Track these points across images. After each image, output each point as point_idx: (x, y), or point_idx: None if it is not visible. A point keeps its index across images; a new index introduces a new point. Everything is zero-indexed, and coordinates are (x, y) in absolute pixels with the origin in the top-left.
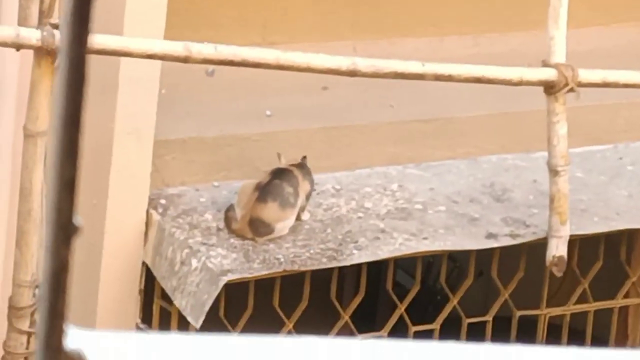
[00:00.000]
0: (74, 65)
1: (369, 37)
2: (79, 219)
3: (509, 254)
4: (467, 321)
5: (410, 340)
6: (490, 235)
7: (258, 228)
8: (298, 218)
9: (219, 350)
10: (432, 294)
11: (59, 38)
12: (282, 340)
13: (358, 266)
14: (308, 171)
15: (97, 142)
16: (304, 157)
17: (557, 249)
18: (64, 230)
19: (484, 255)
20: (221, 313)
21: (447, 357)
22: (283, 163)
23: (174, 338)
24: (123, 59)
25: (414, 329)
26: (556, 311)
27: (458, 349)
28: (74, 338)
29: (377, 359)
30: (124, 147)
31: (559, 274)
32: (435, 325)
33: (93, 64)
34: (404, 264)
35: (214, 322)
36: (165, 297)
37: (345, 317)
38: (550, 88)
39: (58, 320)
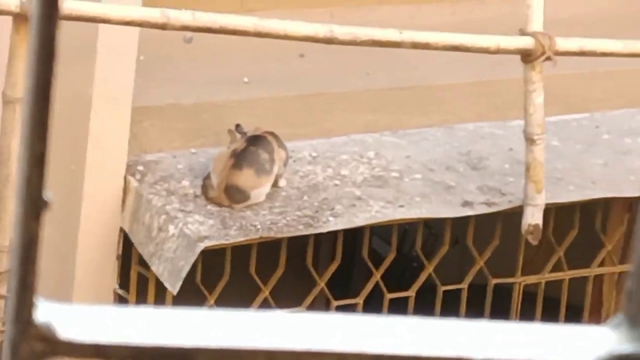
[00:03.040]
0: (44, 37)
1: (347, 5)
2: (49, 193)
3: (484, 222)
4: (442, 289)
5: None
6: (466, 203)
7: (234, 195)
8: (275, 185)
9: (196, 324)
10: (408, 261)
11: None
12: (261, 315)
13: (334, 233)
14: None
15: (75, 108)
16: (238, 125)
17: (533, 217)
18: (33, 204)
19: (459, 223)
20: (198, 279)
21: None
22: (238, 137)
23: (148, 311)
24: (101, 26)
25: (389, 296)
26: (531, 279)
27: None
28: (44, 311)
29: (349, 333)
30: (101, 114)
31: (534, 243)
32: (411, 293)
33: (71, 30)
34: (380, 231)
35: (191, 288)
36: (142, 263)
37: (321, 284)
38: (527, 56)
39: (28, 294)
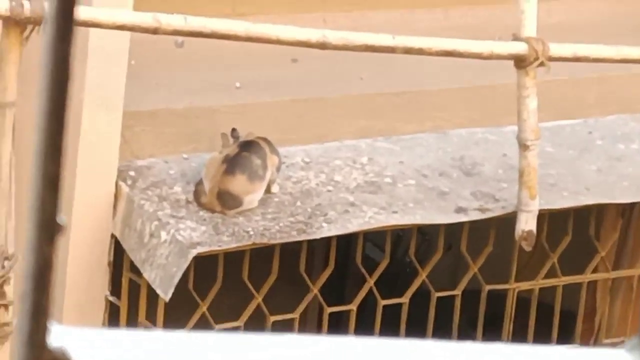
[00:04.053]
0: (59, 63)
1: (339, 9)
2: (62, 217)
3: (478, 228)
4: (436, 295)
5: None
6: (460, 209)
7: (226, 201)
8: (268, 191)
9: (205, 348)
10: (402, 267)
11: (27, 8)
12: (265, 338)
13: (327, 239)
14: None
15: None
16: (234, 130)
17: (527, 223)
18: (47, 228)
19: (453, 229)
20: (190, 285)
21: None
22: (231, 142)
23: (159, 335)
24: (92, 30)
25: (383, 302)
26: (525, 285)
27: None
28: (58, 335)
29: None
30: (93, 118)
31: (528, 249)
32: (405, 299)
33: None
34: (374, 237)
35: (183, 295)
36: (134, 269)
37: (315, 290)
38: (520, 62)
39: (42, 318)
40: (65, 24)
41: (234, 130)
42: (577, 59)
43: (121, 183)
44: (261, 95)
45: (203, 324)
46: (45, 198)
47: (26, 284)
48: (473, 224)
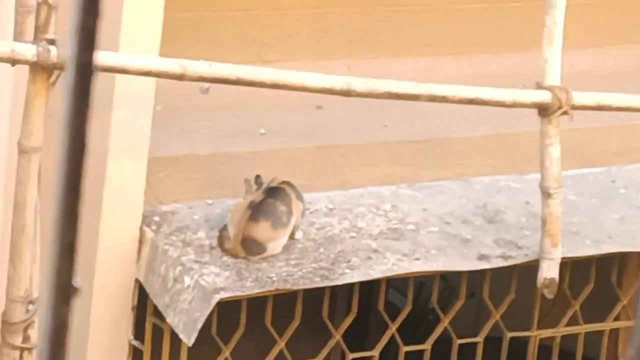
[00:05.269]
0: (75, 137)
1: (364, 57)
2: (78, 280)
3: (500, 275)
4: (458, 342)
5: None
6: (482, 257)
7: (250, 247)
8: (292, 237)
9: None
10: (424, 313)
11: (54, 54)
12: None
13: (350, 285)
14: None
15: (92, 158)
16: (258, 176)
17: (549, 271)
18: (63, 291)
19: (475, 276)
20: (213, 331)
21: None
22: (254, 189)
23: None
24: (118, 76)
25: (405, 349)
26: (547, 333)
27: None
28: None
29: None
30: (118, 164)
31: (550, 296)
32: (427, 346)
33: None
34: (396, 282)
35: (206, 340)
36: (157, 314)
37: (337, 336)
38: (544, 110)
39: None
40: (83, 95)
41: (257, 177)
42: (600, 108)
43: (145, 228)
44: (285, 141)
45: None
46: (62, 263)
47: (42, 344)
48: (495, 271)
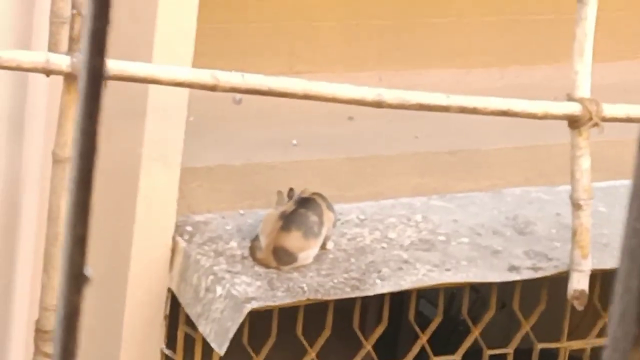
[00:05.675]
0: (86, 137)
1: (395, 68)
2: (89, 270)
3: (530, 286)
4: (488, 353)
5: None
6: (513, 268)
7: (281, 257)
8: (323, 247)
9: None
10: (455, 324)
11: None
12: None
13: (381, 296)
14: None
15: (125, 167)
16: (291, 189)
17: (579, 282)
18: (75, 280)
19: (506, 288)
20: (245, 340)
21: None
22: (286, 201)
23: None
24: (151, 86)
25: (435, 359)
26: (577, 344)
27: None
28: None
29: None
30: (151, 174)
31: (580, 308)
32: (457, 357)
33: (121, 91)
34: (427, 293)
35: (237, 349)
36: (189, 323)
37: (368, 346)
38: (574, 122)
39: None
40: (93, 97)
41: (291, 190)
42: (630, 120)
43: (178, 238)
44: (317, 152)
45: None
46: (74, 254)
47: (56, 330)
48: (525, 282)
